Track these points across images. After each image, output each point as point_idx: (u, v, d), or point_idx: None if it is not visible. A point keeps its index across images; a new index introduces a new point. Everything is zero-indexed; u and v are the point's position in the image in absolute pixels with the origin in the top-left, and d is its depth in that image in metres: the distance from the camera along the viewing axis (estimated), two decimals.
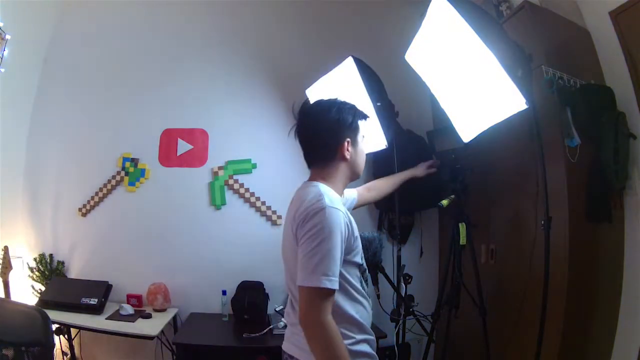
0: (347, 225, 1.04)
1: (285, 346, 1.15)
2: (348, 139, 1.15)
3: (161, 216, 2.44)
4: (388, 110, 2.02)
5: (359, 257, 1.11)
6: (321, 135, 1.15)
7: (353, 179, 1.22)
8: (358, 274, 1.12)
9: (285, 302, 1.26)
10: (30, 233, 2.42)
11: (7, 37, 2.11)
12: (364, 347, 1.11)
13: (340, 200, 1.12)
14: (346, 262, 1.05)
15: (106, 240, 2.42)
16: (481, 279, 1.81)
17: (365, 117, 1.23)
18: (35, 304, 2.05)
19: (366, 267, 1.20)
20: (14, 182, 2.40)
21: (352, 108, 1.19)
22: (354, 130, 1.17)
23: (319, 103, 1.18)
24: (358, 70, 1.93)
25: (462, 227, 1.80)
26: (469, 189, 1.87)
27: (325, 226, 0.98)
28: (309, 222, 1.00)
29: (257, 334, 2.04)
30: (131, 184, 2.46)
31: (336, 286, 0.98)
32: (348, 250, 1.05)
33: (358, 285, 1.11)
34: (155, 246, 2.41)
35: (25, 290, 2.28)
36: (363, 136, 1.23)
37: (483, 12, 1.58)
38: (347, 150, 1.15)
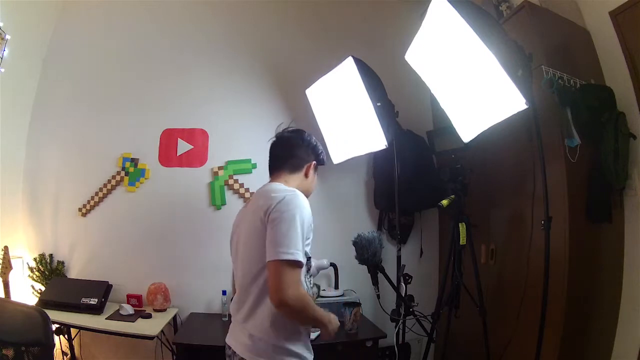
0: (310, 214, 1.15)
1: (229, 340, 1.23)
2: (315, 162, 1.36)
3: (161, 216, 2.44)
4: (388, 110, 2.02)
5: (308, 249, 1.17)
6: (297, 149, 1.33)
7: None
8: (305, 268, 1.17)
9: None
10: (30, 233, 2.42)
11: (7, 37, 2.10)
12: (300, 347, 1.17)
13: None
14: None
15: (106, 240, 2.42)
16: (481, 279, 1.81)
17: (324, 163, 1.43)
18: (35, 304, 2.05)
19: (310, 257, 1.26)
20: (14, 182, 2.40)
21: (322, 150, 1.40)
22: (318, 162, 1.38)
23: (302, 130, 1.39)
24: (358, 71, 1.93)
25: (462, 227, 1.80)
26: (468, 189, 1.87)
27: (299, 207, 1.10)
28: (283, 202, 1.10)
29: None
30: (131, 184, 2.46)
31: (303, 260, 1.07)
32: (306, 237, 1.13)
33: (302, 277, 1.15)
34: (155, 246, 2.41)
35: (25, 290, 2.28)
36: (316, 175, 1.40)
37: (483, 12, 1.58)
38: (311, 170, 1.34)
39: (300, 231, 1.08)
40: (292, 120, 1.45)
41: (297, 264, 1.05)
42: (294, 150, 1.34)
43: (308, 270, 1.20)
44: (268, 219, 1.09)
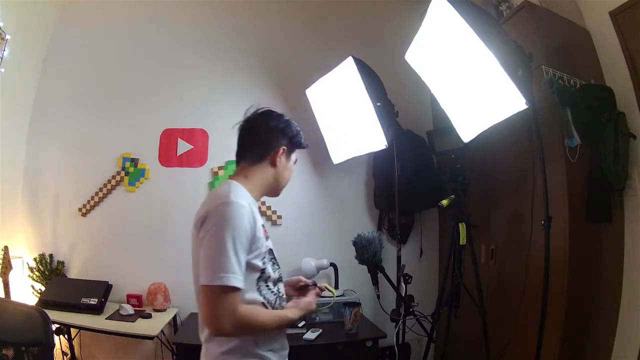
0: (251, 222, 0.99)
1: None
2: (284, 147, 1.15)
3: (161, 216, 2.44)
4: (388, 110, 2.02)
5: (259, 260, 1.03)
6: (262, 134, 1.16)
7: (271, 193, 1.18)
8: (257, 281, 1.03)
9: None
10: (30, 233, 2.42)
11: (7, 37, 2.10)
12: None
13: (251, 200, 1.06)
14: (247, 263, 0.99)
15: (106, 240, 2.42)
16: (481, 279, 1.81)
17: (305, 146, 1.24)
18: (35, 304, 2.05)
19: (277, 276, 1.11)
20: (14, 182, 2.40)
21: (299, 130, 1.22)
22: (292, 145, 1.19)
23: (271, 111, 1.21)
24: (358, 70, 1.94)
25: (462, 227, 1.80)
26: (468, 189, 1.87)
27: (228, 220, 0.94)
28: (212, 217, 0.95)
29: None
30: (131, 184, 2.46)
31: (239, 284, 0.92)
32: (248, 250, 0.99)
33: (255, 295, 1.02)
34: (155, 246, 2.41)
35: (25, 290, 2.28)
36: (296, 160, 1.23)
37: (483, 12, 1.58)
38: (279, 157, 1.14)
39: (232, 250, 0.92)
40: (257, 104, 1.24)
41: (228, 290, 0.91)
42: (258, 135, 1.16)
43: (267, 280, 1.06)
44: (200, 235, 0.97)
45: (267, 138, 1.15)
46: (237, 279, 0.92)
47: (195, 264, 1.01)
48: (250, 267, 1.00)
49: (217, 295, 0.91)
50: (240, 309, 0.93)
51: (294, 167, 1.23)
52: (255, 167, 1.13)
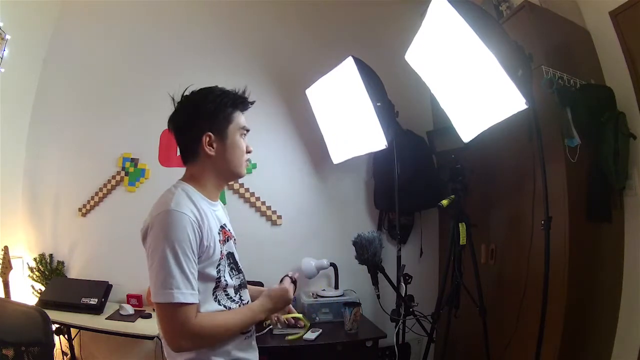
0: (196, 230, 0.91)
1: None
2: (209, 134, 1.00)
3: None
4: (388, 110, 2.02)
5: (213, 269, 0.96)
6: (181, 132, 1.03)
7: (230, 178, 1.10)
8: (213, 290, 0.97)
9: None
10: (30, 233, 2.42)
11: (7, 37, 2.10)
12: None
13: (205, 203, 1.00)
14: (199, 274, 0.93)
15: (106, 240, 2.42)
16: (481, 279, 1.81)
17: (243, 105, 1.06)
18: (35, 304, 2.05)
19: (237, 283, 1.04)
20: (14, 182, 2.40)
21: (221, 96, 1.02)
22: (220, 122, 1.01)
23: (192, 92, 1.05)
24: (358, 70, 1.94)
25: (462, 227, 1.80)
26: (469, 189, 1.87)
27: (168, 232, 0.88)
28: (152, 230, 0.91)
29: (257, 334, 2.03)
30: (131, 184, 2.46)
31: (191, 299, 0.88)
32: (197, 259, 0.92)
33: (214, 306, 0.96)
34: None
35: (25, 290, 2.28)
36: (243, 128, 1.06)
37: (483, 12, 1.58)
38: (208, 145, 1.00)
39: (175, 263, 0.86)
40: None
41: (176, 306, 0.86)
42: (178, 135, 1.04)
43: (225, 288, 1.00)
44: (145, 247, 0.94)
45: (187, 134, 1.02)
46: (183, 294, 0.87)
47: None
48: (203, 277, 0.94)
49: (167, 312, 0.87)
50: (193, 322, 0.88)
51: (249, 137, 1.09)
52: (196, 165, 1.03)
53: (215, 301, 0.97)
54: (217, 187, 1.07)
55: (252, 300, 1.09)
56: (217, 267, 0.97)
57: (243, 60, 2.60)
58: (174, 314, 0.87)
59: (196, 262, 0.92)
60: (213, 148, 1.01)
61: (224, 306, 0.99)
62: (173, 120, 1.05)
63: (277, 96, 2.59)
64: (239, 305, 1.03)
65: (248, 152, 1.08)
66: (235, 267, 1.06)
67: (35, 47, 2.46)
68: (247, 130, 1.08)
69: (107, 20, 2.55)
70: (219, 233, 1.01)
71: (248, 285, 1.14)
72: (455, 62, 1.59)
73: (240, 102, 1.06)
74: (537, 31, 1.86)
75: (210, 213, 1.00)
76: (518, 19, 1.94)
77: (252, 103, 1.08)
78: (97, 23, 2.55)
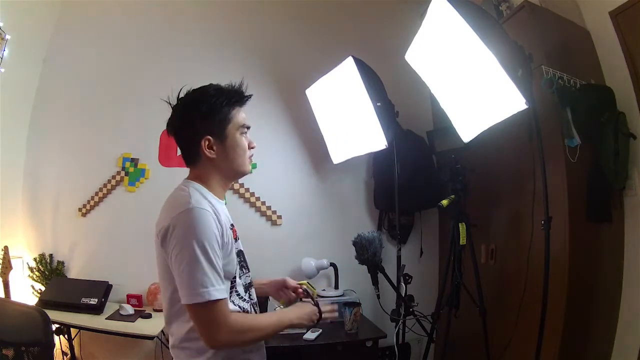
0: (217, 226, 0.92)
1: None
2: (208, 137, 0.97)
3: None
4: (388, 110, 2.02)
5: (231, 266, 0.96)
6: (179, 133, 1.02)
7: (235, 177, 1.09)
8: (230, 289, 0.98)
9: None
10: (30, 233, 2.42)
11: (7, 37, 2.10)
12: None
13: (215, 200, 0.99)
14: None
15: (106, 240, 2.42)
16: (481, 279, 1.81)
17: (240, 101, 1.03)
18: (35, 304, 2.05)
19: (247, 282, 1.05)
20: (14, 182, 2.40)
21: (215, 96, 0.99)
22: (217, 124, 0.99)
23: (186, 94, 1.03)
24: (358, 70, 1.94)
25: (462, 227, 1.80)
26: (469, 189, 1.87)
27: (194, 230, 0.87)
28: (176, 230, 0.89)
29: None
30: (131, 184, 2.46)
31: (222, 295, 0.88)
32: (221, 255, 0.92)
33: (230, 306, 0.96)
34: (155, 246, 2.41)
35: (25, 290, 2.28)
36: (243, 125, 1.03)
37: (483, 12, 1.58)
38: (208, 149, 0.98)
39: (205, 260, 0.86)
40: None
41: (211, 304, 0.86)
42: (179, 140, 1.02)
43: (237, 287, 1.00)
44: (167, 249, 0.91)
45: (185, 138, 1.01)
46: (218, 290, 0.87)
47: (160, 273, 0.96)
48: (224, 274, 0.93)
49: (206, 310, 0.87)
50: (232, 317, 0.89)
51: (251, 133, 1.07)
52: (199, 167, 1.02)
53: (231, 301, 0.97)
54: (223, 186, 1.06)
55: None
56: (233, 264, 0.98)
57: (243, 60, 2.60)
58: (213, 311, 0.87)
59: (221, 257, 0.92)
60: (213, 151, 0.99)
61: (238, 306, 0.99)
62: (171, 125, 1.04)
63: (277, 96, 2.59)
64: (250, 305, 1.04)
65: (251, 147, 1.06)
66: (244, 265, 1.06)
67: (35, 47, 2.46)
68: (248, 128, 1.06)
69: (107, 20, 2.55)
70: (231, 228, 1.02)
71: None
72: (455, 62, 1.59)
73: (236, 99, 1.03)
74: (537, 31, 1.86)
75: (221, 211, 0.99)
76: (518, 19, 1.94)
77: (249, 97, 1.05)
78: (97, 23, 2.55)
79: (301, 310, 1.06)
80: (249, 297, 1.05)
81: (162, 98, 1.05)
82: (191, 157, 1.02)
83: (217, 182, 1.04)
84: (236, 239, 1.04)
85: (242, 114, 1.04)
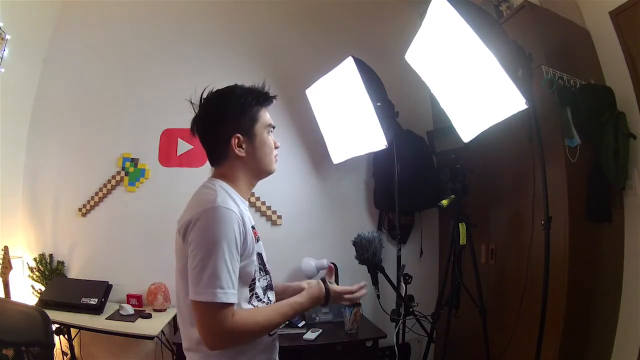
0: (241, 227, 0.91)
1: None
2: (238, 135, 0.99)
3: (161, 216, 2.43)
4: (388, 110, 2.02)
5: (252, 267, 0.95)
6: (207, 133, 1.02)
7: (262, 176, 1.09)
8: (249, 291, 0.97)
9: None
10: (30, 233, 2.42)
11: (7, 37, 2.10)
12: None
13: (240, 201, 0.99)
14: (240, 272, 0.92)
15: (106, 240, 2.42)
16: (481, 279, 1.81)
17: (267, 101, 1.06)
18: (35, 304, 2.05)
19: (265, 284, 1.03)
20: (14, 182, 2.40)
21: (244, 95, 1.01)
22: (247, 122, 1.01)
23: (213, 94, 1.03)
24: (358, 70, 1.94)
25: (462, 227, 1.80)
26: (468, 189, 1.87)
27: (216, 229, 0.86)
28: (197, 224, 0.88)
29: None
30: (131, 184, 2.46)
31: (233, 299, 0.86)
32: (240, 258, 0.91)
33: (248, 307, 0.95)
34: (155, 246, 2.40)
35: (25, 290, 2.28)
36: (269, 125, 1.06)
37: (483, 12, 1.58)
38: (238, 147, 0.99)
39: (223, 261, 0.85)
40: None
41: (220, 306, 0.85)
42: (206, 139, 1.03)
43: (256, 289, 0.99)
44: (187, 242, 0.90)
45: (214, 138, 1.01)
46: (226, 294, 0.85)
47: (178, 271, 0.95)
48: (242, 275, 0.92)
49: (207, 311, 0.85)
50: (230, 321, 0.86)
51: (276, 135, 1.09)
52: (226, 168, 1.03)
53: (249, 303, 0.96)
54: (249, 185, 1.07)
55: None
56: (254, 266, 0.97)
57: (243, 60, 2.60)
58: (213, 314, 0.85)
59: (239, 260, 0.90)
60: (243, 149, 1.01)
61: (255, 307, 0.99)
62: (197, 124, 1.04)
63: (277, 96, 2.58)
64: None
65: (276, 147, 1.09)
66: (263, 267, 1.05)
67: (35, 47, 2.46)
68: (273, 127, 1.09)
69: (107, 20, 2.56)
70: (252, 230, 1.01)
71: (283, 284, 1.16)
72: (455, 62, 1.59)
73: (263, 98, 1.06)
74: (537, 31, 1.86)
75: (245, 211, 0.99)
76: (518, 19, 1.94)
77: (275, 97, 1.09)
78: (97, 23, 2.56)
79: (309, 292, 1.05)
80: (268, 300, 1.04)
81: (185, 98, 1.06)
82: (218, 156, 1.03)
83: (244, 182, 1.04)
84: (257, 240, 1.03)
85: (267, 114, 1.07)
